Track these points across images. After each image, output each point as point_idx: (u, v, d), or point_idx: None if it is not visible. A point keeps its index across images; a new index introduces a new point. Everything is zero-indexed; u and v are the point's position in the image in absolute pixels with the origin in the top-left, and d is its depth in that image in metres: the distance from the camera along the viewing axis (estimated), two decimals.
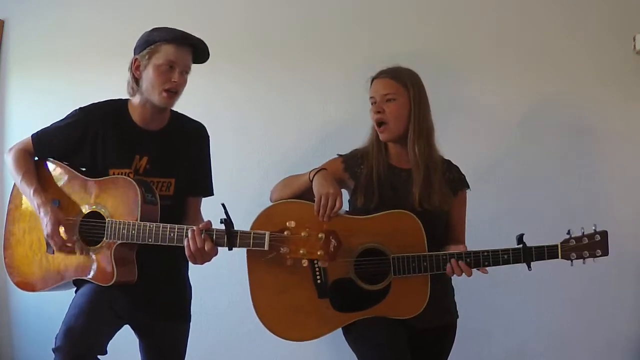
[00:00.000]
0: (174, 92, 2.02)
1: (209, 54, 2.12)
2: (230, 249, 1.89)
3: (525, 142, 2.63)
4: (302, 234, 1.82)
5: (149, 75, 2.01)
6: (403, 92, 2.07)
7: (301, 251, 1.82)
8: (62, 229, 1.99)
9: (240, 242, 1.88)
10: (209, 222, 1.91)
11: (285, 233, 1.84)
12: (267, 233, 1.85)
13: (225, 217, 1.87)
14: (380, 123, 2.06)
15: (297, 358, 2.71)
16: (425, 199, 2.04)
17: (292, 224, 1.84)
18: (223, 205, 1.88)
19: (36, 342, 2.89)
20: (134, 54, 2.06)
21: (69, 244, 2.00)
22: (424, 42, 2.69)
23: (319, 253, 1.81)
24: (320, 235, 1.80)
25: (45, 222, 1.98)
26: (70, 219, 2.03)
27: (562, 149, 2.61)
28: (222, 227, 1.88)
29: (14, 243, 2.14)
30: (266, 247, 1.85)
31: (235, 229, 1.89)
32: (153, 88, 2.01)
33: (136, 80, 2.05)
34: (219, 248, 1.91)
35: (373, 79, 2.12)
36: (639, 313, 2.57)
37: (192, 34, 2.07)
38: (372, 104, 2.10)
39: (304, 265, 1.85)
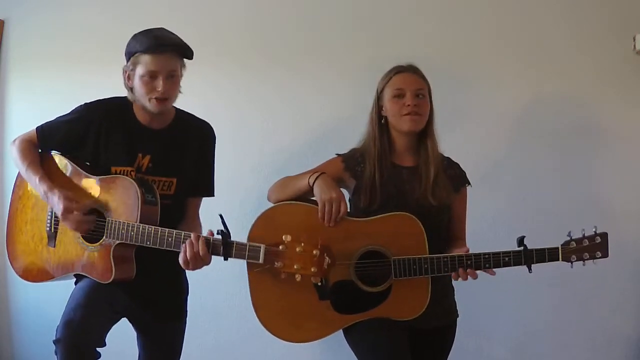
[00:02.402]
0: (162, 99, 2.01)
1: (191, 50, 2.06)
2: (225, 259, 1.91)
3: (525, 143, 2.63)
4: (297, 249, 1.83)
5: (137, 85, 2.02)
6: (427, 90, 2.10)
7: (295, 266, 1.84)
8: (74, 203, 1.98)
9: (236, 254, 1.90)
10: (210, 231, 1.93)
11: (281, 247, 1.85)
12: (263, 246, 1.87)
13: (223, 228, 1.89)
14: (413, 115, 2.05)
15: (298, 358, 2.71)
16: (431, 195, 2.04)
17: (288, 237, 1.84)
18: (221, 215, 1.89)
19: (36, 342, 2.89)
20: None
21: (80, 222, 2.00)
22: (424, 42, 2.69)
23: (312, 270, 1.83)
24: (315, 252, 1.82)
25: (55, 202, 1.98)
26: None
27: (561, 149, 2.61)
28: (219, 236, 1.89)
29: (16, 232, 2.16)
30: (261, 260, 1.87)
31: (232, 240, 1.90)
32: (142, 97, 2.02)
33: (130, 88, 2.05)
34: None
35: (397, 72, 2.11)
36: (639, 313, 2.57)
37: (171, 33, 2.03)
38: (397, 96, 2.07)
39: (297, 280, 1.85)
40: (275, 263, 1.85)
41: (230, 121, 2.78)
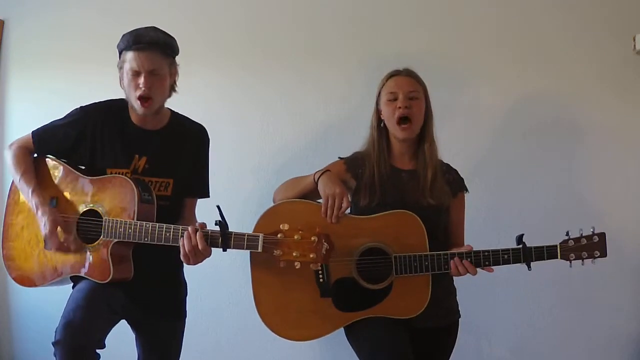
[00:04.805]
0: (145, 98, 2.00)
1: (172, 48, 2.07)
2: (224, 250, 1.91)
3: (524, 143, 2.63)
4: (295, 236, 1.84)
5: (125, 83, 2.03)
6: (422, 93, 2.11)
7: (294, 254, 1.84)
8: (59, 230, 1.99)
9: (234, 244, 1.90)
10: (204, 224, 1.93)
11: (279, 235, 1.85)
12: (261, 235, 1.87)
13: (220, 218, 1.89)
14: (404, 119, 2.06)
15: (298, 358, 2.71)
16: (429, 196, 2.05)
17: (286, 226, 1.85)
18: (218, 207, 1.89)
19: (36, 343, 2.89)
20: None
21: (66, 244, 2.01)
22: (424, 42, 2.70)
23: (311, 256, 1.83)
24: (313, 238, 1.83)
25: (43, 223, 1.99)
26: (67, 216, 2.03)
27: (561, 149, 2.61)
28: (218, 228, 1.89)
29: (12, 237, 2.15)
30: (260, 249, 1.87)
31: (229, 230, 1.90)
32: (130, 96, 2.03)
33: (124, 88, 2.06)
34: (216, 251, 1.93)
35: (391, 76, 2.13)
36: (638, 313, 2.57)
37: (157, 31, 2.03)
38: (391, 99, 2.09)
39: (297, 267, 1.86)
40: (274, 251, 1.85)
41: (230, 121, 2.78)
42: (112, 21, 2.85)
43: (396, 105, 2.07)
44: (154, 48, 2.00)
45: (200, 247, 1.89)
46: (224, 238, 1.89)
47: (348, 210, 2.02)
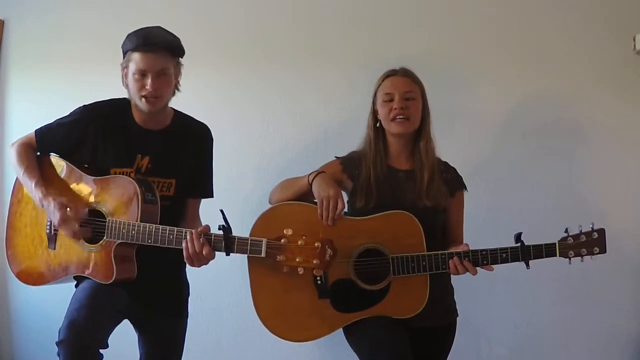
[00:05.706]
0: (153, 98, 2.00)
1: (181, 48, 2.07)
2: (227, 254, 1.91)
3: (524, 143, 2.63)
4: (299, 242, 1.84)
5: (129, 82, 2.02)
6: (419, 93, 2.11)
7: (297, 259, 1.84)
8: (69, 211, 1.97)
9: (238, 248, 1.90)
10: (207, 226, 1.92)
11: (282, 241, 1.85)
12: (264, 240, 1.86)
13: (223, 223, 1.88)
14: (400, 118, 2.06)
15: (298, 358, 2.71)
16: (426, 197, 2.05)
17: (289, 231, 1.85)
18: (221, 211, 1.89)
19: (36, 342, 2.89)
20: None
21: (77, 231, 1.99)
22: (424, 42, 2.69)
23: (314, 262, 1.83)
24: (316, 244, 1.82)
25: (51, 211, 1.98)
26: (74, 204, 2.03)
27: (561, 150, 2.61)
28: (221, 232, 1.89)
29: (16, 236, 2.15)
30: (263, 255, 1.86)
31: (233, 235, 1.90)
32: (134, 95, 2.02)
33: (127, 85, 2.05)
34: (217, 252, 1.93)
35: (387, 76, 2.13)
36: (638, 313, 2.57)
37: (164, 32, 2.03)
38: (387, 100, 2.08)
39: (300, 273, 1.86)
40: (277, 257, 1.85)
41: (230, 121, 2.78)
42: (112, 21, 2.85)
43: (392, 106, 2.07)
44: (163, 49, 1.99)
45: (204, 252, 1.89)
46: (227, 242, 1.89)
47: (345, 210, 2.02)
